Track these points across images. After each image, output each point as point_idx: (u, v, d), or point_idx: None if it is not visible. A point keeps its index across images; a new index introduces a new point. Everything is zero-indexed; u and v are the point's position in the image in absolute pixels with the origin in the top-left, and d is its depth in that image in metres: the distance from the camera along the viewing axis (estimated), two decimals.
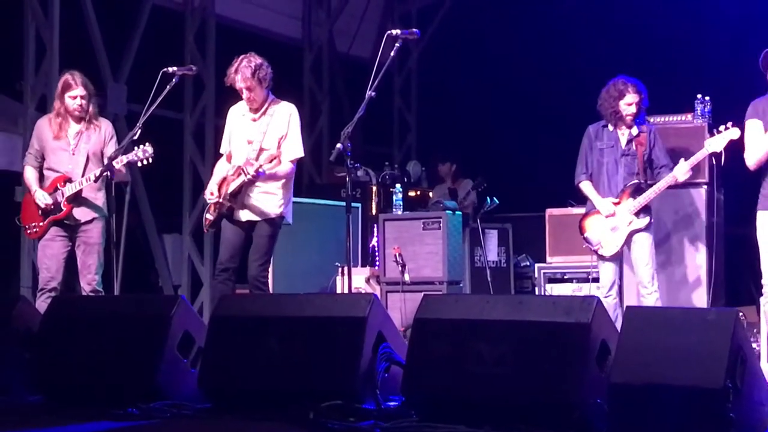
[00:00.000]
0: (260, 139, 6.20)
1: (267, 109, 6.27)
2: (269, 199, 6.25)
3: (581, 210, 7.60)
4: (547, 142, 9.49)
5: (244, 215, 6.23)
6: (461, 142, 10.66)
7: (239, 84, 6.16)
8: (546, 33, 9.99)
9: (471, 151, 10.28)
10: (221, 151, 6.53)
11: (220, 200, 6.23)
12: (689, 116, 7.47)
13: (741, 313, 7.33)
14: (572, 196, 7.96)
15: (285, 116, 6.27)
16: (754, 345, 6.79)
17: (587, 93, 6.96)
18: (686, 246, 7.46)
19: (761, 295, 6.47)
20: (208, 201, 6.33)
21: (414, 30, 6.03)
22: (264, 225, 6.24)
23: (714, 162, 7.15)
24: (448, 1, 12.03)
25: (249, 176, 6.09)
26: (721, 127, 6.30)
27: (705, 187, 7.38)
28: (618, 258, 6.67)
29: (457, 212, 8.20)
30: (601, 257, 6.66)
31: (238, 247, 6.25)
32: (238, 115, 6.41)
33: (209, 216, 6.36)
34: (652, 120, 7.58)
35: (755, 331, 6.90)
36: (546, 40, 10.01)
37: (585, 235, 6.71)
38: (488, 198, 8.83)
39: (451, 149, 10.20)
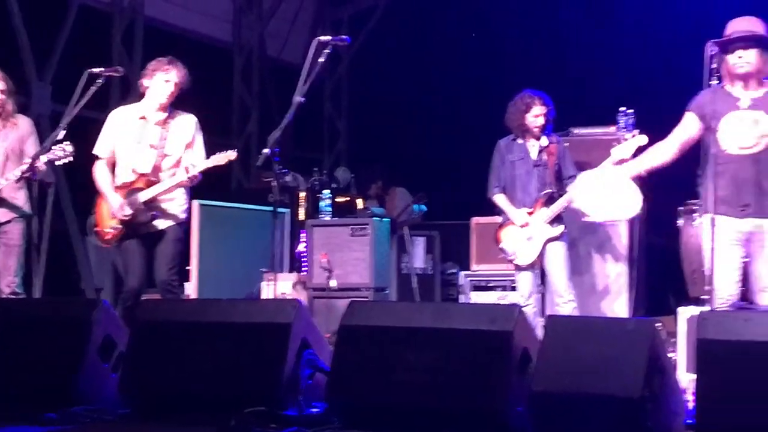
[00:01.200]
0: (163, 145, 6.16)
1: (171, 114, 6.24)
2: (174, 203, 6.23)
3: None
4: (474, 150, 9.54)
5: (155, 223, 6.15)
6: (390, 149, 10.71)
7: (172, 78, 6.11)
8: (476, 43, 10.09)
9: (400, 158, 10.32)
10: (101, 154, 6.28)
11: (132, 212, 6.11)
12: (613, 128, 7.59)
13: (660, 323, 7.51)
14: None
15: (191, 123, 6.27)
16: (672, 355, 6.92)
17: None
18: (608, 256, 7.57)
19: (681, 304, 6.60)
20: (123, 216, 6.12)
21: (344, 36, 6.04)
22: (173, 229, 6.21)
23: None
24: (379, 9, 12.08)
25: (195, 181, 6.10)
26: (628, 135, 6.41)
27: None
28: (535, 267, 6.76)
29: (384, 219, 8.23)
30: (518, 267, 6.74)
31: (145, 266, 6.17)
32: (128, 118, 6.29)
33: (111, 228, 6.19)
34: (575, 131, 7.72)
35: (673, 341, 7.03)
36: (475, 50, 10.11)
37: (501, 245, 6.79)
38: (416, 205, 8.87)
39: (374, 166, 10.21)
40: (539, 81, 7.27)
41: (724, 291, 5.20)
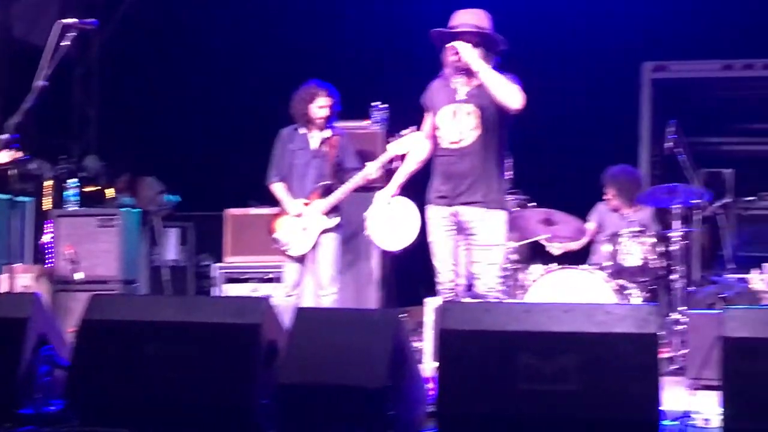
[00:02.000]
0: None
1: None
2: None
3: (261, 210, 7.67)
4: (231, 140, 9.47)
5: None
6: (146, 138, 10.40)
7: None
8: (235, 31, 9.91)
9: (154, 147, 10.05)
10: None
11: None
12: (367, 122, 7.71)
13: (406, 314, 7.70)
14: (254, 195, 8.00)
15: None
16: (420, 344, 7.11)
17: (279, 96, 7.03)
18: (364, 247, 7.68)
19: (429, 294, 6.79)
20: None
21: (91, 20, 5.82)
22: None
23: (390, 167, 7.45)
24: None
25: None
26: (404, 131, 6.52)
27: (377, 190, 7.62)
28: (305, 259, 6.77)
29: (134, 210, 7.99)
30: (290, 257, 6.73)
31: None
32: None
33: None
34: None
35: (420, 330, 7.22)
36: (234, 39, 9.93)
37: (274, 235, 6.75)
38: (167, 196, 8.68)
39: (122, 157, 9.89)
40: (292, 71, 7.27)
41: (444, 277, 5.43)
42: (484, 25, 5.37)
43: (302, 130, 6.82)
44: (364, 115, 7.75)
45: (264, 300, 4.45)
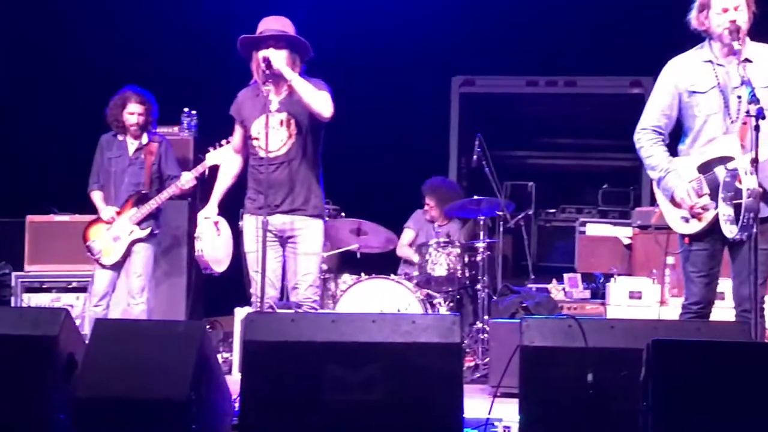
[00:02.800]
0: None
1: None
2: None
3: (64, 218, 7.47)
4: (33, 145, 9.07)
5: None
6: None
7: None
8: (51, 32, 9.43)
9: None
10: None
11: None
12: (176, 128, 7.59)
13: (212, 325, 7.62)
14: (55, 203, 7.74)
15: None
16: (228, 355, 7.03)
17: (87, 101, 6.84)
18: (170, 257, 7.55)
19: (239, 305, 6.72)
20: None
21: None
22: None
23: (205, 177, 7.34)
24: None
25: None
26: (223, 141, 6.44)
27: (189, 200, 7.52)
28: (117, 268, 6.58)
29: None
30: (102, 266, 6.54)
31: None
32: None
33: None
34: None
35: (229, 340, 7.15)
36: (50, 39, 9.43)
37: (88, 243, 6.57)
38: None
39: None
40: (106, 77, 7.09)
41: (260, 288, 5.21)
42: (291, 32, 5.38)
43: (121, 137, 6.70)
44: (175, 120, 7.62)
45: (62, 311, 4.27)
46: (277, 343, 4.06)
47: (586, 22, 9.27)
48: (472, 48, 9.85)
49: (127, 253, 6.57)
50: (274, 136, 5.33)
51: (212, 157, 6.42)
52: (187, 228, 7.53)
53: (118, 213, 6.57)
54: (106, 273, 6.59)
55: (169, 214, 7.44)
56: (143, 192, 6.61)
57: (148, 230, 6.61)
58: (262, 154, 5.34)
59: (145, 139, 6.71)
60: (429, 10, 9.26)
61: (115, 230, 6.56)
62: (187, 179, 6.54)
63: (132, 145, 6.70)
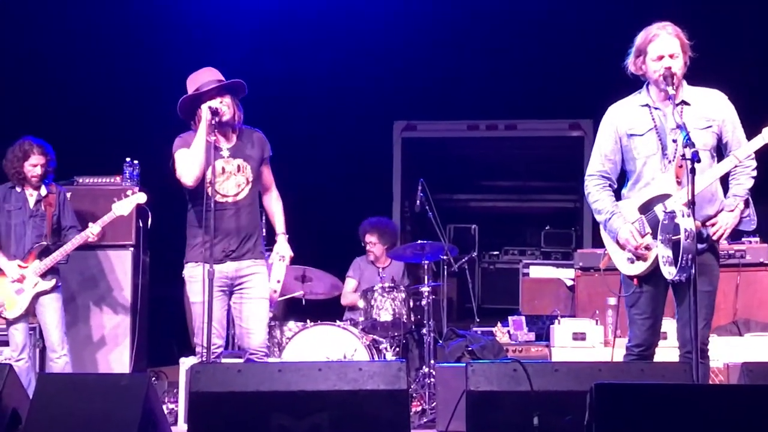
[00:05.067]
0: None
1: None
2: None
3: None
4: None
5: None
6: None
7: None
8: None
9: None
10: None
11: None
12: (119, 178, 7.54)
13: (154, 376, 7.54)
14: None
15: None
16: (173, 406, 6.96)
17: None
18: (112, 307, 7.47)
19: (184, 354, 6.66)
20: None
21: None
22: None
23: (141, 224, 7.32)
24: None
25: None
26: (129, 192, 6.42)
27: (131, 249, 7.47)
28: (28, 320, 6.49)
29: None
30: (8, 321, 6.44)
31: None
32: None
33: None
34: (80, 180, 7.55)
35: (175, 391, 7.07)
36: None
37: None
38: None
39: None
40: (40, 125, 7.02)
41: (205, 338, 5.05)
42: (223, 78, 5.42)
43: (19, 189, 6.59)
44: (117, 170, 7.57)
45: (5, 366, 4.22)
46: (224, 394, 4.04)
47: (525, 67, 9.42)
48: (413, 93, 9.95)
49: (31, 306, 6.49)
50: (231, 181, 5.36)
51: (119, 207, 6.43)
52: (131, 280, 7.47)
53: (22, 267, 6.47)
54: (19, 326, 6.48)
55: (114, 263, 7.39)
56: (45, 244, 6.54)
57: (53, 282, 6.51)
58: (219, 198, 5.32)
59: (44, 190, 6.61)
60: (370, 57, 9.35)
61: (19, 283, 6.48)
62: (93, 230, 6.48)
63: (32, 197, 6.59)
